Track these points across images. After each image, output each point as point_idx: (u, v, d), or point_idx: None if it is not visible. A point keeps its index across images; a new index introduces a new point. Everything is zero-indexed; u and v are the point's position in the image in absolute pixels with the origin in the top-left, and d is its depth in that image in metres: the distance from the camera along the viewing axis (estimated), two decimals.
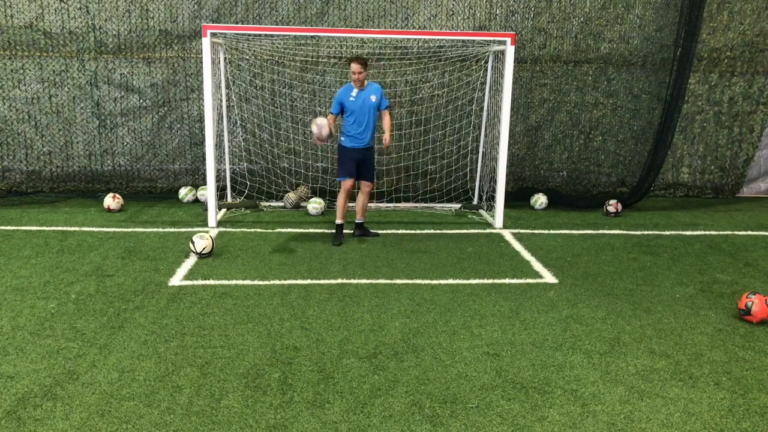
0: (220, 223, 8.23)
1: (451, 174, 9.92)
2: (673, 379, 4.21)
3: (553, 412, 3.78)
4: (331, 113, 7.35)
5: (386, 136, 7.29)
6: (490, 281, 6.13)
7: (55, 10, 9.18)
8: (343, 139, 7.32)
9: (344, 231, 7.54)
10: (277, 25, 9.35)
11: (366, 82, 7.24)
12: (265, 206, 9.33)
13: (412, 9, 9.54)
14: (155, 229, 7.88)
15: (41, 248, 6.91)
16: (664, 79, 9.88)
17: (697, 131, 10.49)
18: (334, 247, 7.17)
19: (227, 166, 9.30)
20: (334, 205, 7.94)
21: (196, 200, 9.58)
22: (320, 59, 9.58)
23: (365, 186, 7.53)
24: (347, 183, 7.32)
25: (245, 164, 9.83)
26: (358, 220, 7.70)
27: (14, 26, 9.17)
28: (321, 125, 6.94)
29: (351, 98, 7.19)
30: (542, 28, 9.74)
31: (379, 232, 7.80)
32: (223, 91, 9.21)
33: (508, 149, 8.39)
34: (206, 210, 8.41)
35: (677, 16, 9.66)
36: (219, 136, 8.97)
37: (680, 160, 10.65)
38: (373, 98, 7.25)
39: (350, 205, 7.76)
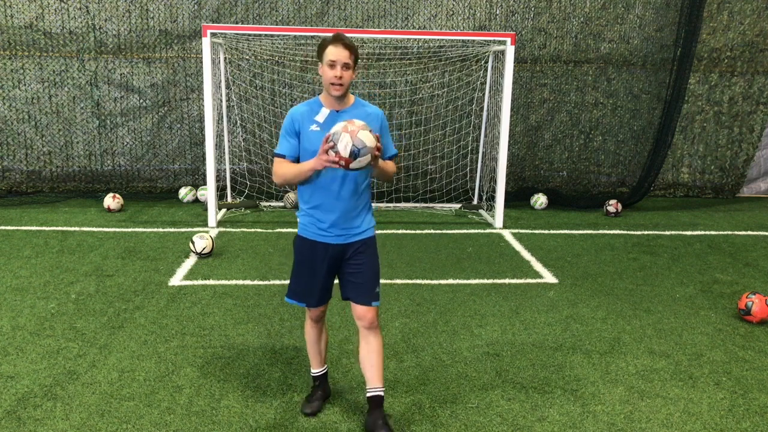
0: (220, 223, 8.23)
1: (451, 174, 9.92)
2: (673, 379, 4.21)
3: (553, 412, 3.78)
4: (277, 156, 3.33)
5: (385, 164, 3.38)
6: (490, 281, 6.13)
7: (55, 10, 9.18)
8: (299, 219, 3.49)
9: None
10: (277, 25, 9.34)
11: (353, 97, 3.37)
12: (265, 206, 9.33)
13: (412, 9, 9.53)
14: (155, 229, 7.88)
15: (41, 248, 6.91)
16: (664, 79, 9.87)
17: (697, 131, 10.49)
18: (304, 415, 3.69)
19: (227, 166, 9.30)
20: None
21: (196, 200, 9.58)
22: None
23: (359, 311, 3.42)
24: (311, 313, 3.61)
25: (245, 164, 9.83)
26: (371, 390, 3.49)
27: (14, 26, 9.17)
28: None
29: (314, 127, 3.26)
30: (542, 28, 9.74)
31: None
32: (223, 91, 9.21)
33: (508, 149, 8.39)
34: (206, 210, 8.41)
35: (677, 16, 9.66)
36: (219, 136, 8.97)
37: (680, 160, 10.65)
38: None
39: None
